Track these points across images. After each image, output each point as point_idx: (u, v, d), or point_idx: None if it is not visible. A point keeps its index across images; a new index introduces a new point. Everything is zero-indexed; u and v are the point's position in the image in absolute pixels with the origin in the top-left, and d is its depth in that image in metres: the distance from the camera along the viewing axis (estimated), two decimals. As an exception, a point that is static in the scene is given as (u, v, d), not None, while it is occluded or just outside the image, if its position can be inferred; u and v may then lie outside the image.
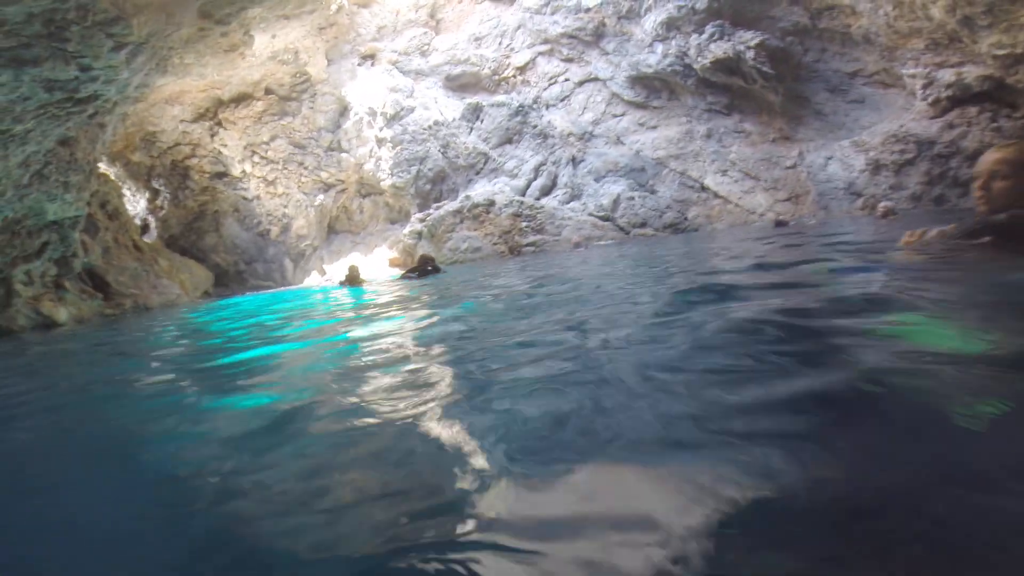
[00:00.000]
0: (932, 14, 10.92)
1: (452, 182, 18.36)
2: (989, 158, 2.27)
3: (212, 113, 15.98)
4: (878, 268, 2.56)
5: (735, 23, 14.89)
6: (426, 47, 19.48)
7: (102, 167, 12.17)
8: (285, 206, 16.78)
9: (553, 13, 18.42)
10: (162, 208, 15.46)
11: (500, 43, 19.27)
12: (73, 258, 10.29)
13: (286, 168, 16.83)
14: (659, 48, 16.50)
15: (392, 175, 17.81)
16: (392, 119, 18.16)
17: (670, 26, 16.04)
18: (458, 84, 19.36)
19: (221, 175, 16.12)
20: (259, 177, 16.47)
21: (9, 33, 6.68)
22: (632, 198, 16.81)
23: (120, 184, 14.06)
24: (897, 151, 11.81)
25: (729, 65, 14.96)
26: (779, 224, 11.32)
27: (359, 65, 18.89)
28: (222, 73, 14.86)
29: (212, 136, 15.93)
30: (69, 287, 10.26)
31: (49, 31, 6.99)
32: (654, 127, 17.24)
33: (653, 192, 16.86)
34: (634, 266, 5.64)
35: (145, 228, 15.31)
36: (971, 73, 10.65)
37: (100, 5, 7.44)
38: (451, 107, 18.86)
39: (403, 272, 11.01)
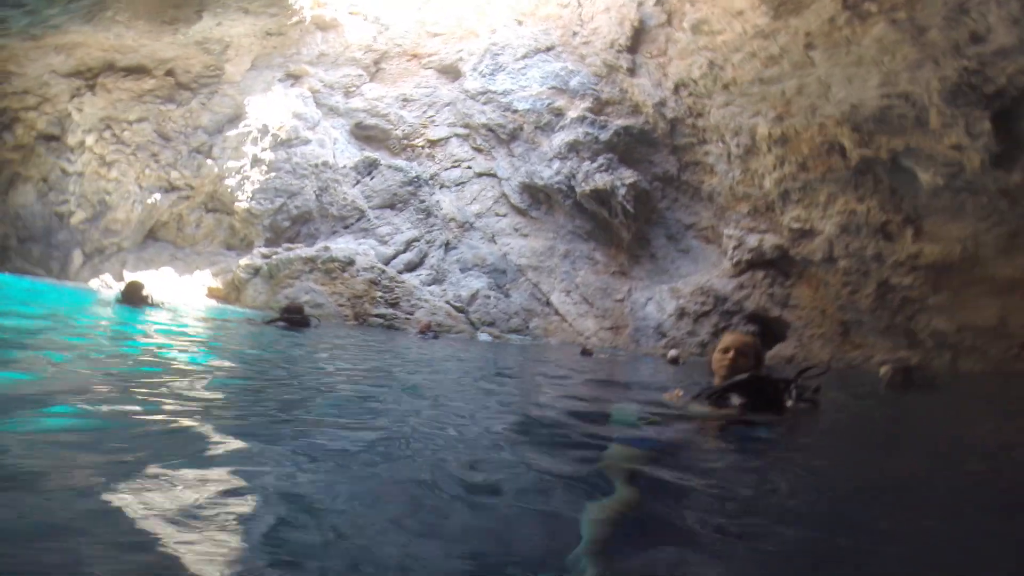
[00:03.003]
0: (764, 184, 11.23)
1: (315, 227, 17.30)
2: (741, 339, 2.79)
3: (93, 74, 14.41)
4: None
5: (622, 160, 15.60)
6: (353, 89, 19.33)
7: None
8: (109, 193, 15.02)
9: (485, 103, 18.81)
10: (-46, 151, 13.25)
11: (425, 112, 19.38)
12: None
13: (135, 154, 15.38)
14: (556, 165, 16.97)
15: (253, 199, 16.62)
16: (281, 144, 17.33)
17: (572, 147, 16.66)
18: (365, 135, 19.10)
19: (51, 138, 14.23)
20: (97, 154, 14.79)
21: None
22: (488, 296, 16.29)
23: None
24: (699, 302, 12.44)
25: (603, 196, 15.46)
26: (584, 353, 10.94)
27: (280, 81, 18.30)
28: (139, 40, 13.93)
29: (73, 96, 14.25)
30: None
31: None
32: (526, 235, 17.13)
33: (507, 296, 16.39)
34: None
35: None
36: (769, 241, 11.30)
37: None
38: (347, 154, 18.34)
39: (269, 318, 8.68)
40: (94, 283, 14.35)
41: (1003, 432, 3.20)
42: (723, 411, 2.55)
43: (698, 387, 2.91)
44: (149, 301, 7.88)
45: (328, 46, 18.41)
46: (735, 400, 2.52)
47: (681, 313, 12.96)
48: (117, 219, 15.11)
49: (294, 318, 8.06)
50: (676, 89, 13.37)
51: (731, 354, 2.72)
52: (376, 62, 19.32)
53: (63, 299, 8.14)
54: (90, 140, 14.71)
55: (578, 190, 15.88)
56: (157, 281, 15.06)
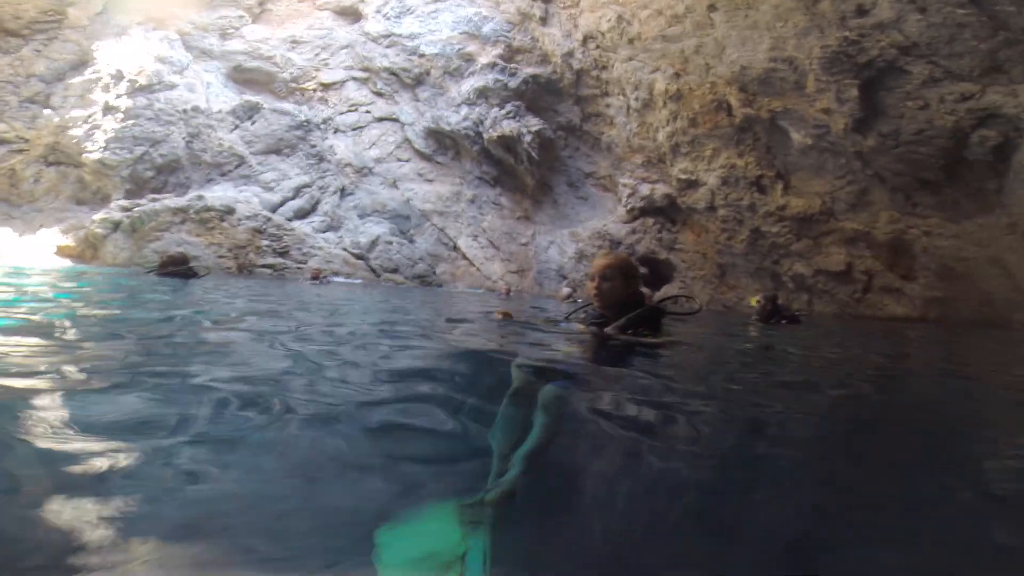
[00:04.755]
0: (658, 137, 11.64)
1: (185, 176, 15.39)
2: (602, 264, 2.72)
3: None
4: None
5: (529, 107, 15.55)
6: (231, 31, 17.13)
7: None
8: None
9: (389, 47, 17.58)
10: None
11: (317, 55, 17.73)
12: None
13: None
14: (464, 110, 16.47)
15: (107, 149, 14.30)
16: (140, 89, 14.94)
17: (480, 94, 16.19)
18: (245, 78, 17.07)
19: None
20: None
21: None
22: (391, 243, 15.84)
23: None
24: (597, 245, 13.20)
25: (509, 143, 15.40)
26: (505, 293, 12.24)
27: (138, 24, 15.87)
28: None
29: None
30: None
31: None
32: (431, 180, 16.65)
33: (411, 241, 16.09)
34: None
35: None
36: (659, 190, 12.16)
37: None
38: (223, 98, 16.32)
39: (153, 267, 7.91)
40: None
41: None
42: (624, 337, 2.63)
43: (585, 313, 2.95)
44: None
45: (201, -13, 16.20)
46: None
47: (580, 256, 13.54)
48: (-70, 176, 12.48)
49: (178, 270, 7.24)
50: (584, 41, 13.43)
51: (595, 282, 2.68)
52: (260, 3, 17.51)
53: None
54: None
55: (485, 136, 15.68)
56: (-10, 244, 12.84)
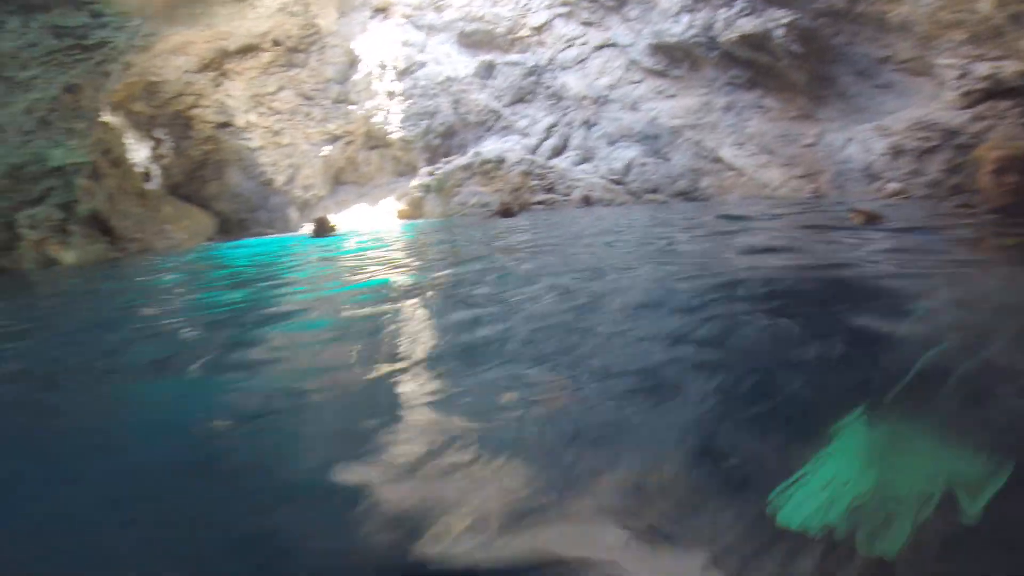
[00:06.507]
0: (978, 8, 10.78)
1: (462, 138, 17.82)
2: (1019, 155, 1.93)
3: (217, 64, 15.29)
4: None
5: (767, 0, 14.48)
6: (440, 3, 18.56)
7: (104, 116, 11.65)
8: (290, 156, 16.37)
9: None
10: (165, 157, 15.15)
11: (517, 2, 18.47)
12: (76, 204, 9.75)
13: (292, 119, 16.26)
14: (685, 19, 15.95)
15: (401, 128, 17.20)
16: (403, 73, 17.52)
17: (698, -2, 15.61)
18: (471, 41, 18.56)
19: (225, 125, 15.59)
20: (264, 127, 16.01)
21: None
22: (645, 164, 16.58)
23: (122, 133, 13.57)
24: (921, 138, 11.72)
25: (756, 41, 14.71)
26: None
27: (371, 18, 18.11)
28: (229, 24, 14.37)
29: (216, 86, 15.31)
30: (74, 231, 9.58)
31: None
32: (672, 96, 16.90)
33: (666, 159, 16.49)
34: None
35: (148, 177, 14.92)
36: (1008, 68, 10.58)
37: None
38: (463, 63, 18.14)
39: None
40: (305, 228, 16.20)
41: None
42: None
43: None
44: (335, 231, 11.02)
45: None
46: None
47: (896, 151, 11.99)
48: (307, 175, 16.61)
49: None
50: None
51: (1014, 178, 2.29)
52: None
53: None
54: (253, 118, 15.79)
55: (721, 40, 15.11)
56: (356, 217, 16.61)
